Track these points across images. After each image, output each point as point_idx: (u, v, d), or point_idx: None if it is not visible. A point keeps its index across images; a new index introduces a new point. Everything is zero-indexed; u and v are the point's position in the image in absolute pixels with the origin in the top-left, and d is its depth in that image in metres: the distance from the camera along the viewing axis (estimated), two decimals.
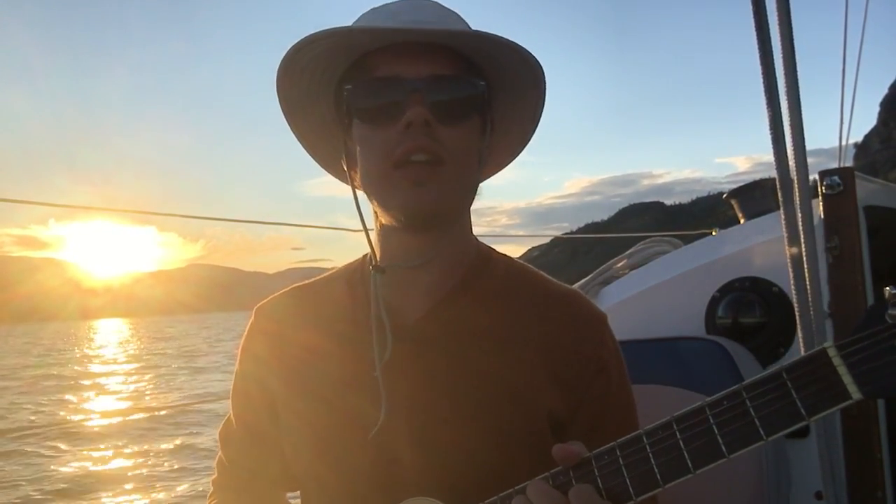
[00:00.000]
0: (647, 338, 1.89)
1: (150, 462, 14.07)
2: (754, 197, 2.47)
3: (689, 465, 0.79)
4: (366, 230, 1.04)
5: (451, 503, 0.95)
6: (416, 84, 0.94)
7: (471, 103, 0.98)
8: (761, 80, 1.43)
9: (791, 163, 1.43)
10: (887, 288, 0.74)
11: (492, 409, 1.00)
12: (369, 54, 0.98)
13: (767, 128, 1.44)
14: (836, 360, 0.75)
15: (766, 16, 1.41)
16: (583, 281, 2.49)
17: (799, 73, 1.41)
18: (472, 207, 1.08)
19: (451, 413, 1.00)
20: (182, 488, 11.89)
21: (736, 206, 2.53)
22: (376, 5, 1.02)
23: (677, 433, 0.80)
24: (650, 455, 0.81)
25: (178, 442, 15.57)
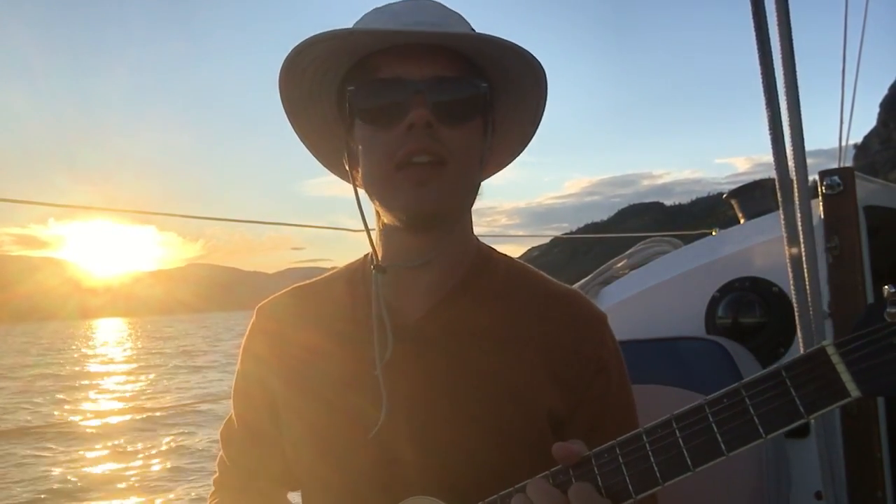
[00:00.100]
0: (647, 338, 1.89)
1: (144, 463, 14.06)
2: (754, 197, 2.47)
3: (689, 463, 0.80)
4: (367, 230, 1.05)
5: (452, 502, 0.95)
6: (419, 85, 0.94)
7: (473, 104, 0.98)
8: (761, 81, 1.43)
9: (791, 163, 1.44)
10: (886, 287, 0.75)
11: (492, 408, 1.00)
12: (371, 55, 0.98)
13: (767, 128, 1.44)
14: (835, 359, 0.75)
15: (765, 16, 1.41)
16: (583, 281, 2.49)
17: (798, 74, 1.41)
18: (473, 207, 1.08)
19: (451, 412, 1.00)
20: (178, 490, 11.88)
21: (736, 207, 2.53)
22: (379, 5, 1.02)
23: (676, 431, 0.81)
24: (650, 453, 0.81)
25: (171, 442, 15.55)
